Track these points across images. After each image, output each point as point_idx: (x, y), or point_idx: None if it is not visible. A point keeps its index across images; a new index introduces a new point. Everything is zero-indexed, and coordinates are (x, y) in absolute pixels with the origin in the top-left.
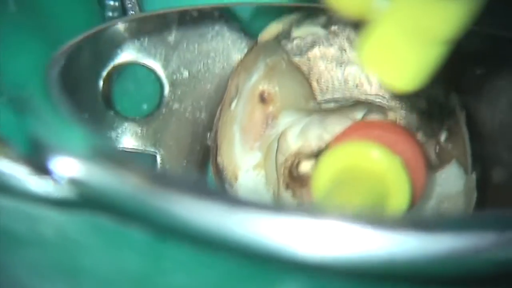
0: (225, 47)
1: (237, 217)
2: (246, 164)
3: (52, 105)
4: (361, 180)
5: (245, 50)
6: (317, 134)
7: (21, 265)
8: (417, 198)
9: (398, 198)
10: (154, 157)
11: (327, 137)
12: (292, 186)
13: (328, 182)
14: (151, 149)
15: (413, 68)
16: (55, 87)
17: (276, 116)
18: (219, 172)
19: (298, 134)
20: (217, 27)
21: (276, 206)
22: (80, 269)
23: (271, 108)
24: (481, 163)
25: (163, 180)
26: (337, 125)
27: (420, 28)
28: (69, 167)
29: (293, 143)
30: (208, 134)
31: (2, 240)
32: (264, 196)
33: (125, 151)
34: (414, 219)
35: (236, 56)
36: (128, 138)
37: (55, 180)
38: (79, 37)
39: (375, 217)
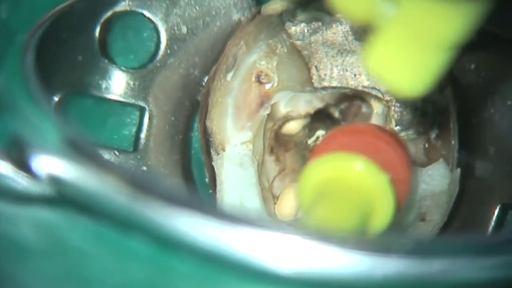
0: (226, 6)
1: (215, 228)
2: (235, 140)
3: (30, 96)
4: (346, 193)
5: (246, 12)
6: (307, 99)
7: (29, 275)
8: (400, 208)
9: (382, 213)
10: (142, 110)
11: (316, 102)
12: (276, 151)
13: (313, 192)
14: (140, 102)
15: (420, 74)
16: (32, 75)
17: (270, 98)
18: (206, 134)
19: (288, 100)
20: None
21: (251, 220)
22: (87, 280)
23: (267, 90)
24: (466, 155)
25: (142, 182)
26: (327, 94)
27: (427, 34)
28: (48, 165)
29: (283, 108)
30: (200, 89)
31: (10, 249)
32: (248, 168)
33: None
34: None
35: (236, 16)
36: (119, 89)
37: (35, 177)
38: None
39: (346, 237)
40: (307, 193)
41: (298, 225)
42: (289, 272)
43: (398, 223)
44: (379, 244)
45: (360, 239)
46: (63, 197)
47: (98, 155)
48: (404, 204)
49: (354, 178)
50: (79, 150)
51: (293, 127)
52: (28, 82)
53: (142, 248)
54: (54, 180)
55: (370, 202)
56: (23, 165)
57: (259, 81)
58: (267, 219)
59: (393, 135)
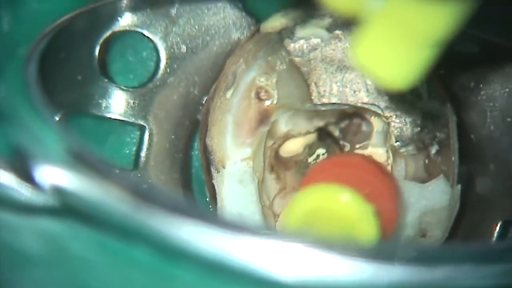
0: (226, 25)
1: (217, 237)
2: (235, 156)
3: (32, 107)
4: (331, 223)
5: (245, 31)
6: (307, 117)
7: (33, 285)
8: (388, 236)
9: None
10: (142, 129)
11: (316, 121)
12: (276, 169)
13: (299, 221)
14: (140, 121)
15: (405, 68)
16: (34, 85)
17: (270, 115)
18: (206, 152)
19: (289, 118)
20: (220, 4)
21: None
22: None
23: (266, 106)
24: (466, 171)
25: (144, 192)
26: (327, 112)
27: (412, 30)
28: (52, 175)
29: (283, 127)
30: (200, 108)
31: (14, 259)
32: (248, 185)
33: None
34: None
35: (236, 35)
36: (119, 108)
37: (38, 188)
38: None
39: (346, 245)
40: (293, 222)
41: (300, 234)
42: (292, 280)
43: (399, 239)
44: (382, 252)
45: (363, 248)
46: (66, 207)
47: (101, 166)
48: (393, 232)
49: (339, 209)
50: (82, 160)
51: (293, 148)
52: (30, 93)
53: (144, 257)
54: (57, 191)
55: (355, 232)
56: (26, 175)
57: (258, 97)
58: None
59: (380, 166)
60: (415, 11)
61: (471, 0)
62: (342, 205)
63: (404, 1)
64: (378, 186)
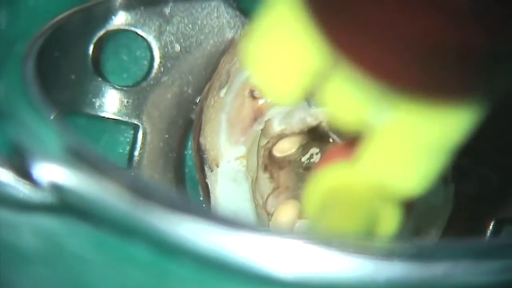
0: (220, 24)
1: (216, 234)
2: (229, 155)
3: (30, 104)
4: (352, 202)
5: (239, 30)
6: (300, 117)
7: (30, 282)
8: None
9: (388, 222)
10: (136, 128)
11: (310, 120)
12: (270, 168)
13: (319, 201)
14: (134, 120)
15: (415, 177)
16: (32, 83)
17: (264, 113)
18: (200, 151)
19: (282, 118)
20: (214, 3)
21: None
22: (87, 286)
23: (260, 105)
24: (461, 170)
25: (142, 189)
26: (321, 111)
27: (421, 140)
28: (50, 172)
29: (276, 126)
30: (194, 107)
31: (11, 256)
32: (242, 184)
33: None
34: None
35: (230, 34)
36: (113, 107)
37: (36, 185)
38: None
39: (351, 242)
40: (312, 204)
41: (299, 230)
42: (291, 277)
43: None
44: (381, 248)
45: (363, 244)
46: (64, 204)
47: (99, 163)
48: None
49: (360, 188)
50: (80, 157)
51: (287, 147)
52: (28, 91)
53: (142, 254)
54: (55, 188)
55: (376, 212)
56: (24, 173)
57: (252, 96)
58: None
59: None
60: (424, 122)
61: (485, 103)
62: (363, 184)
63: (409, 115)
64: None
